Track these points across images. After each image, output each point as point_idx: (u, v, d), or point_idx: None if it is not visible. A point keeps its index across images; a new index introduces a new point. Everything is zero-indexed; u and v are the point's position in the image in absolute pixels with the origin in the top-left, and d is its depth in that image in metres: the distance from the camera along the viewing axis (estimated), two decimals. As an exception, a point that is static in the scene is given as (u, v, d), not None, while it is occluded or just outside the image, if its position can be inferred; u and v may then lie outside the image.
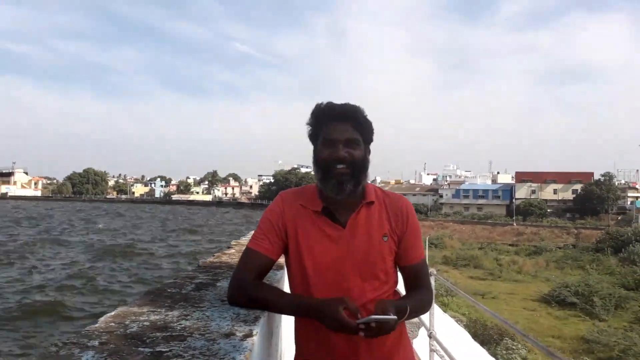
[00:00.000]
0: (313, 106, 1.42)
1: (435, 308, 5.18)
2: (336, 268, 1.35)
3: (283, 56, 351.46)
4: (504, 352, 11.56)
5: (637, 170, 69.92)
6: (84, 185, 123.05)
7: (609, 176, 59.42)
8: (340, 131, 1.36)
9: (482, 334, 12.35)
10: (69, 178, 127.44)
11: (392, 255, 1.40)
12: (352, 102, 1.43)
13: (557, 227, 49.60)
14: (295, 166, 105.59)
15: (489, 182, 75.45)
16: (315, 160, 1.41)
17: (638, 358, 13.10)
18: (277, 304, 1.36)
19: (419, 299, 1.41)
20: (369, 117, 1.44)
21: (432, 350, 3.51)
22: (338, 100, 1.42)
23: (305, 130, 1.44)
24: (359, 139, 1.38)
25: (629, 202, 60.45)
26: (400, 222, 1.42)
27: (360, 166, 1.37)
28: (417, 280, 1.45)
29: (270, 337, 1.59)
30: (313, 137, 1.43)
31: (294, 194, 1.46)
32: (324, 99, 1.42)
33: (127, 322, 1.24)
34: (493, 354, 8.69)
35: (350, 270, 1.35)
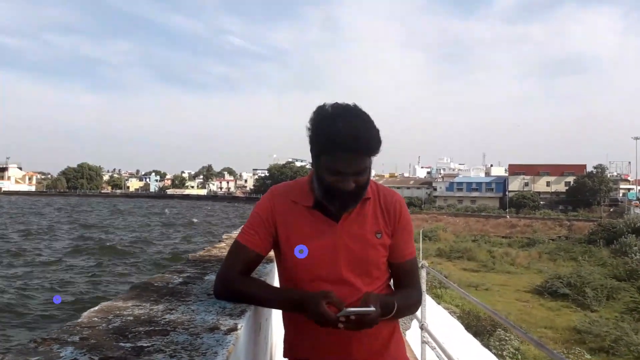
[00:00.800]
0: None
1: (428, 300, 5.20)
2: (328, 263, 1.33)
3: (277, 49, 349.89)
4: (497, 343, 11.67)
5: (630, 162, 70.50)
6: (79, 180, 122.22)
7: (601, 168, 59.97)
8: (349, 164, 1.23)
9: (475, 325, 12.46)
10: (63, 173, 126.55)
11: (386, 251, 1.39)
12: (348, 102, 1.27)
13: (549, 219, 50.04)
14: (290, 160, 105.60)
15: (483, 174, 75.85)
16: (318, 176, 1.30)
17: (629, 348, 13.26)
18: (264, 297, 1.35)
19: (407, 296, 1.40)
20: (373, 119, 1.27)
21: (424, 342, 3.51)
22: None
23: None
24: (368, 166, 1.27)
25: (621, 194, 61.08)
26: (393, 219, 1.40)
27: (365, 185, 1.31)
28: (406, 278, 1.44)
29: (258, 331, 1.57)
30: (315, 150, 1.28)
31: (285, 188, 1.43)
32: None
33: (110, 317, 1.22)
34: (486, 345, 8.76)
35: (342, 266, 1.33)
